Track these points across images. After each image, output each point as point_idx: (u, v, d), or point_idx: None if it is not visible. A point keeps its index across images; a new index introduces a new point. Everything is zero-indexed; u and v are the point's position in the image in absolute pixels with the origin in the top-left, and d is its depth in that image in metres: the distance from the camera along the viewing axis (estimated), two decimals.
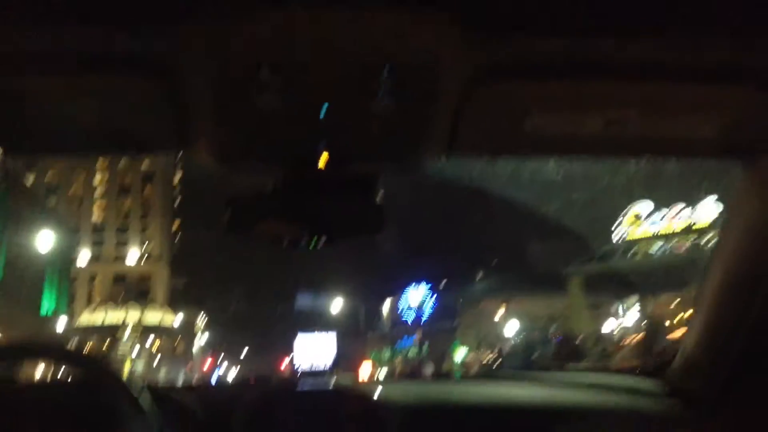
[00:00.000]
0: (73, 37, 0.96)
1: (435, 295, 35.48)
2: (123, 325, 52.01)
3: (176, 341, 61.43)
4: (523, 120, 1.23)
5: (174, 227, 75.95)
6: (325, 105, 1.14)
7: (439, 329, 45.02)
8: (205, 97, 1.13)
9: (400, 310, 44.19)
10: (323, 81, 1.10)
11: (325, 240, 1.36)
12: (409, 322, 33.79)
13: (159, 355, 55.53)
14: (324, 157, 1.27)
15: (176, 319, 63.09)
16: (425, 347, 47.78)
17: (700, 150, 1.45)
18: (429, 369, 27.96)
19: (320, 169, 1.28)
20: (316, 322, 40.36)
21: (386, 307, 51.33)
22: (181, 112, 1.17)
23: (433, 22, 0.97)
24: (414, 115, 1.17)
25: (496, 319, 33.30)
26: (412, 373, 28.48)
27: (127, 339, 50.99)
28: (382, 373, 44.05)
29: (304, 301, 41.70)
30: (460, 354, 32.12)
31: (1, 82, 0.61)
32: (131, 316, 54.37)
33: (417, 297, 37.06)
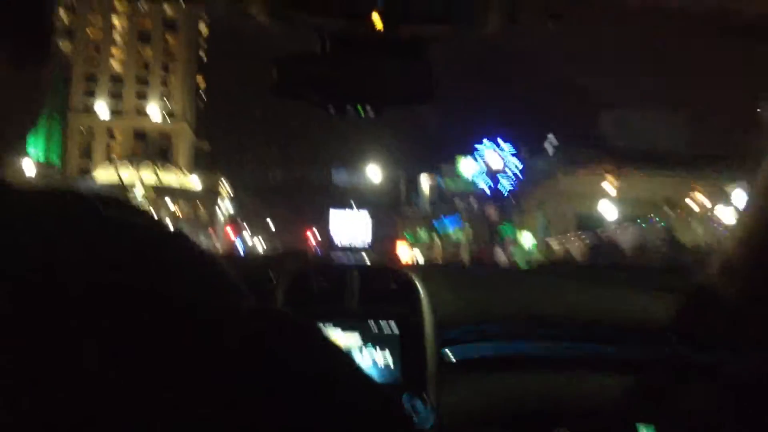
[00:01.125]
0: None
1: (517, 156, 25.78)
2: (140, 185, 47.75)
3: (197, 206, 57.48)
4: None
5: (200, 84, 70.43)
6: None
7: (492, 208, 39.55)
8: None
9: (455, 179, 36.69)
10: None
11: (374, 108, 1.32)
12: (488, 191, 24.86)
13: (177, 220, 51.59)
14: (377, 14, 1.21)
15: (197, 183, 59.12)
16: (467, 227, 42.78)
17: None
18: (501, 256, 22.47)
19: (373, 29, 1.22)
20: (351, 197, 37.54)
21: (425, 180, 45.83)
22: None
23: None
24: None
25: (588, 197, 26.73)
26: (478, 259, 23.53)
27: (141, 199, 46.86)
28: (419, 256, 39.84)
29: (340, 175, 39.45)
30: (526, 240, 26.51)
31: None
32: (148, 175, 49.94)
33: (494, 159, 26.81)
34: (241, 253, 57.28)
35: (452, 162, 33.91)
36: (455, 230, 42.52)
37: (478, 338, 1.61)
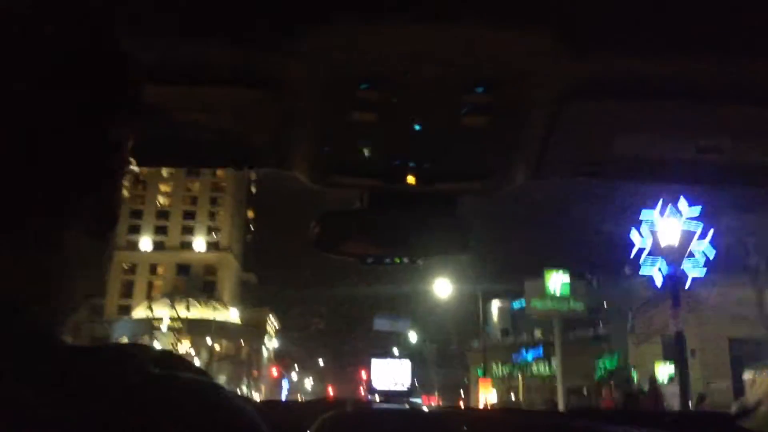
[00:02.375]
0: (202, 50, 1.04)
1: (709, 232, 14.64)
2: (167, 318, 43.32)
3: (240, 344, 52.42)
4: (612, 142, 1.22)
5: (249, 215, 68.18)
6: (417, 122, 1.15)
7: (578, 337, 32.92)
8: (305, 111, 1.15)
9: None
10: (417, 95, 1.11)
11: (409, 258, 1.40)
12: (658, 286, 15.95)
13: (218, 358, 46.43)
14: (412, 174, 1.29)
15: (240, 318, 54.58)
16: (554, 362, 36.00)
17: None
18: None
19: (408, 187, 1.31)
20: (393, 345, 37.25)
21: (496, 306, 39.96)
22: (281, 125, 1.19)
23: (531, 37, 0.98)
24: (504, 132, 1.17)
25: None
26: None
27: (166, 331, 42.34)
28: (493, 397, 33.42)
29: (382, 323, 36.57)
30: (662, 373, 19.81)
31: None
32: (184, 311, 45.57)
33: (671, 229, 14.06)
34: (285, 394, 52.88)
35: (535, 278, 28.34)
36: (535, 361, 35.88)
37: None
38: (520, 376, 34.89)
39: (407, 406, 1.98)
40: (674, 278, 14.80)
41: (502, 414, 2.34)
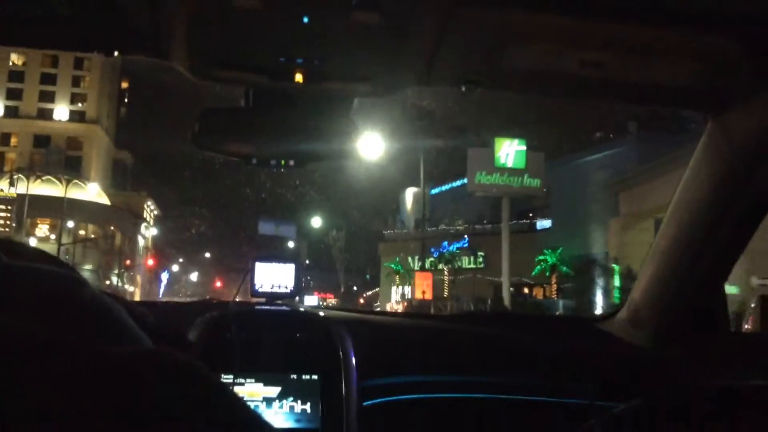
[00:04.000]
0: None
1: None
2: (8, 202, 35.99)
3: (110, 229, 45.60)
4: (502, 52, 1.23)
5: (124, 85, 59.03)
6: (305, 14, 1.11)
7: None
8: None
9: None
10: None
11: (295, 162, 1.37)
12: None
13: (83, 244, 39.68)
14: (300, 72, 1.26)
15: (111, 201, 47.44)
16: (480, 255, 32.48)
17: (673, 99, 1.49)
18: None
19: (296, 85, 1.27)
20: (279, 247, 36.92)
21: (410, 195, 35.73)
22: (155, 8, 1.12)
23: None
24: (394, 33, 1.16)
25: None
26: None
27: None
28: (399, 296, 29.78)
29: (267, 227, 37.06)
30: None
31: None
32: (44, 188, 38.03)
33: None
34: (163, 286, 47.98)
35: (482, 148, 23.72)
36: (457, 253, 32.22)
37: (399, 389, 1.63)
38: (446, 270, 31.17)
39: (288, 308, 1.73)
40: None
41: (382, 316, 2.24)
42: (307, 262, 46.10)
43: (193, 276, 53.77)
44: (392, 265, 34.92)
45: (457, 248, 32.99)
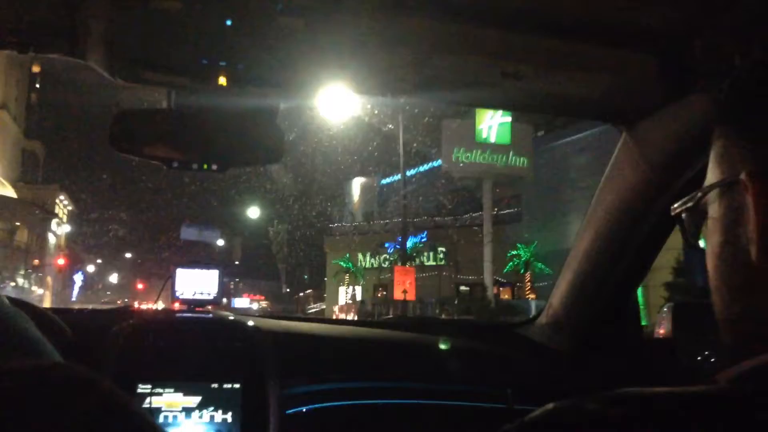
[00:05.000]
0: None
1: None
2: None
3: (15, 224, 40.66)
4: (425, 61, 1.25)
5: (35, 69, 53.51)
6: (228, 17, 1.10)
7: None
8: None
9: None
10: None
11: (218, 166, 1.33)
12: None
13: None
14: (224, 75, 1.24)
15: (18, 195, 42.43)
16: (441, 251, 29.90)
17: (589, 111, 1.52)
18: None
19: (219, 88, 1.25)
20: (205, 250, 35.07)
21: (358, 184, 32.88)
22: (71, 5, 1.09)
23: None
24: (319, 38, 1.17)
25: None
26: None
27: None
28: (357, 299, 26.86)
29: (190, 232, 35.85)
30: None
31: None
32: None
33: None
34: (77, 288, 43.43)
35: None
36: (415, 246, 29.54)
37: (321, 396, 1.62)
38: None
39: (210, 315, 1.70)
40: None
41: (309, 322, 2.09)
42: (237, 263, 43.13)
43: (113, 278, 49.29)
44: (341, 263, 31.95)
45: (416, 243, 30.37)
